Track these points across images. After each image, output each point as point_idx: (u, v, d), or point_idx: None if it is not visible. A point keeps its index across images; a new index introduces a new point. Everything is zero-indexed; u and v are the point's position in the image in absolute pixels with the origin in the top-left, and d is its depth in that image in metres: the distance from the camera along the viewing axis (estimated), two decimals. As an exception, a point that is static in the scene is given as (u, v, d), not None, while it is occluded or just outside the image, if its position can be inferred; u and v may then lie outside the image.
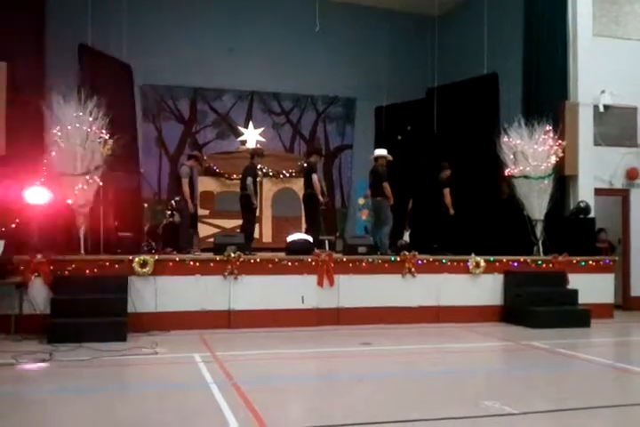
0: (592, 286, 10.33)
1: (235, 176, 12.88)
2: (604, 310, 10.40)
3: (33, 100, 9.34)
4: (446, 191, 11.21)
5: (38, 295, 8.33)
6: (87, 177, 9.15)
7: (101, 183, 9.51)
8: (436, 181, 11.38)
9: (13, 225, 8.86)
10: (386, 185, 10.70)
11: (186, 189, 10.33)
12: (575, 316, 9.76)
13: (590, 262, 10.61)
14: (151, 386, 5.97)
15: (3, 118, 9.30)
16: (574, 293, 10.05)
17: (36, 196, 9.23)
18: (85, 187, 9.15)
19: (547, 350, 7.83)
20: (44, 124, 9.21)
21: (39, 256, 8.38)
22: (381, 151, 11.13)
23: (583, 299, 9.99)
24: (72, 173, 9.10)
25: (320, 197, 10.86)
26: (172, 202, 10.71)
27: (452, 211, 11.09)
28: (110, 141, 9.35)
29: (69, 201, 9.20)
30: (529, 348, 8.00)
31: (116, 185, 10.49)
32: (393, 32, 15.78)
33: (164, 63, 14.24)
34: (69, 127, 9.06)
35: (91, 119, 9.18)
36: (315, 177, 10.84)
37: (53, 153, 9.13)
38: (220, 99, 15.63)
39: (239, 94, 15.75)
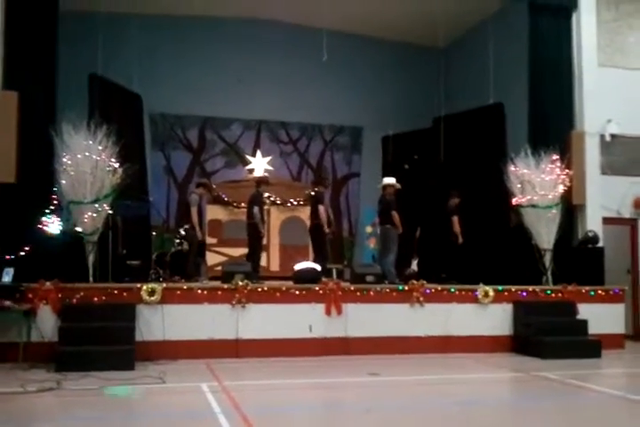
0: (602, 316, 10.24)
1: (243, 204, 12.94)
2: (614, 341, 10.29)
3: (44, 128, 9.44)
4: (455, 219, 11.25)
5: (46, 323, 8.32)
6: (96, 205, 9.21)
7: (110, 211, 9.58)
8: (444, 209, 11.41)
9: (23, 253, 8.89)
10: (394, 214, 10.74)
11: (194, 217, 10.38)
12: (585, 346, 9.67)
13: (600, 292, 10.54)
14: (158, 415, 5.92)
15: (14, 147, 9.38)
16: (584, 323, 9.97)
17: (46, 223, 9.29)
18: (94, 215, 9.20)
19: (557, 381, 7.74)
20: (54, 152, 9.30)
21: (48, 284, 8.39)
22: (390, 180, 11.20)
23: (593, 329, 9.90)
24: (82, 201, 9.15)
25: (326, 228, 10.90)
26: (181, 230, 10.76)
27: (460, 239, 11.10)
28: (120, 170, 9.43)
29: (78, 229, 9.25)
30: (539, 379, 7.91)
31: (124, 213, 10.53)
32: (400, 62, 15.95)
33: (173, 93, 14.40)
34: (79, 156, 9.15)
35: (100, 148, 9.28)
36: (321, 208, 10.89)
37: (63, 181, 9.20)
38: (229, 128, 15.77)
39: (247, 123, 15.89)
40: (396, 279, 10.51)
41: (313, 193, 11.52)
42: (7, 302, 8.00)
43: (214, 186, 13.62)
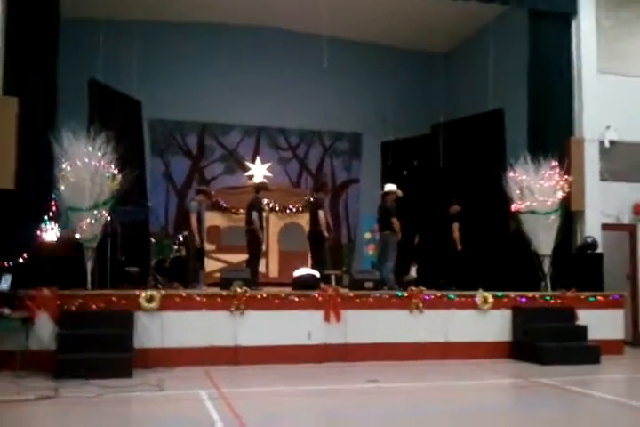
0: (601, 322, 10.22)
1: (241, 211, 12.92)
2: (613, 347, 10.27)
3: (43, 134, 9.44)
4: (455, 226, 11.26)
5: (44, 330, 8.29)
6: (95, 211, 9.20)
7: (109, 217, 9.56)
8: (444, 215, 11.41)
9: (21, 259, 8.87)
10: (394, 220, 10.76)
11: (194, 223, 10.38)
12: (585, 352, 9.65)
13: (599, 298, 10.53)
14: (156, 423, 5.90)
15: (13, 153, 9.35)
16: (583, 329, 9.96)
17: (45, 230, 9.28)
18: (93, 221, 9.18)
19: (557, 387, 7.73)
20: (53, 158, 9.28)
21: (46, 291, 8.37)
22: (391, 187, 11.22)
23: (592, 335, 9.89)
24: (80, 208, 9.14)
25: (325, 233, 10.89)
26: (180, 236, 10.75)
27: (459, 246, 11.12)
28: (119, 176, 9.43)
29: (77, 235, 9.23)
30: (538, 385, 7.90)
31: (123, 219, 10.52)
32: (399, 68, 15.96)
33: (172, 99, 14.41)
34: (78, 162, 9.13)
35: (99, 154, 9.26)
36: (321, 213, 10.88)
37: (62, 188, 9.19)
38: (228, 134, 15.76)
39: (247, 130, 15.88)
40: (395, 286, 10.50)
41: (312, 199, 11.52)
42: (5, 310, 7.96)
43: (213, 192, 13.61)
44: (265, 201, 11.68)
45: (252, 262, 10.74)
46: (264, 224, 11.55)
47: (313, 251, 11.20)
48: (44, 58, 9.97)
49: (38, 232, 9.51)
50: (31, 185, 9.44)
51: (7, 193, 9.31)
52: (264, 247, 12.01)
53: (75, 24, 11.47)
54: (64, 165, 9.12)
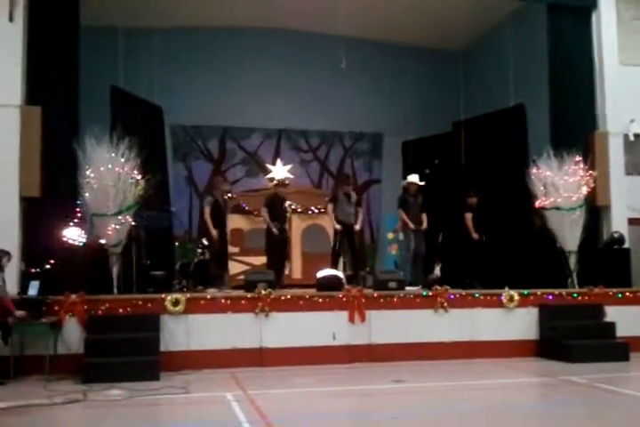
0: (630, 319, 10.06)
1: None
2: (643, 343, 10.14)
3: (67, 142, 9.57)
4: (468, 216, 11.27)
5: (72, 335, 8.41)
6: (120, 217, 9.30)
7: (133, 223, 9.66)
8: (461, 206, 11.47)
9: (48, 266, 9.00)
10: (399, 212, 11.10)
11: (206, 217, 10.43)
12: (613, 349, 9.51)
13: (627, 294, 10.37)
14: (184, 426, 5.94)
15: (37, 161, 9.51)
16: (612, 325, 9.82)
17: (71, 236, 9.41)
18: (118, 226, 9.28)
19: (585, 386, 7.63)
20: (77, 165, 9.41)
21: (73, 296, 8.48)
22: (411, 178, 11.28)
23: (621, 332, 9.75)
24: (105, 214, 9.25)
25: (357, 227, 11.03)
26: (203, 240, 10.80)
27: (474, 235, 11.13)
28: (142, 181, 9.52)
29: (103, 241, 9.34)
30: (567, 383, 7.81)
31: (147, 224, 10.62)
32: (418, 67, 15.90)
33: (193, 103, 14.53)
34: (102, 168, 9.24)
35: (123, 160, 9.36)
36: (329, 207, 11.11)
37: (87, 194, 9.30)
38: (249, 137, 15.85)
39: (267, 132, 15.95)
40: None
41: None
42: (34, 315, 8.09)
43: (235, 195, 13.71)
44: (287, 203, 11.64)
45: (272, 262, 10.76)
46: (286, 223, 11.43)
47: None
48: (65, 67, 10.13)
49: (64, 239, 9.64)
50: (56, 192, 9.61)
51: (33, 201, 9.49)
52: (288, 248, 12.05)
53: (94, 32, 11.64)
54: (88, 172, 9.24)
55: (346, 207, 11.07)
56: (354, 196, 11.32)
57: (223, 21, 14.51)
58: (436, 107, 15.33)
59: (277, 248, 10.95)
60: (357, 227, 11.11)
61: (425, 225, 11.21)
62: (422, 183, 11.33)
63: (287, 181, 11.95)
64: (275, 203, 11.02)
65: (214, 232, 10.45)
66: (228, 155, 15.73)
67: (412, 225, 11.01)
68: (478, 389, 7.60)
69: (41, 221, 9.46)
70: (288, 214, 11.91)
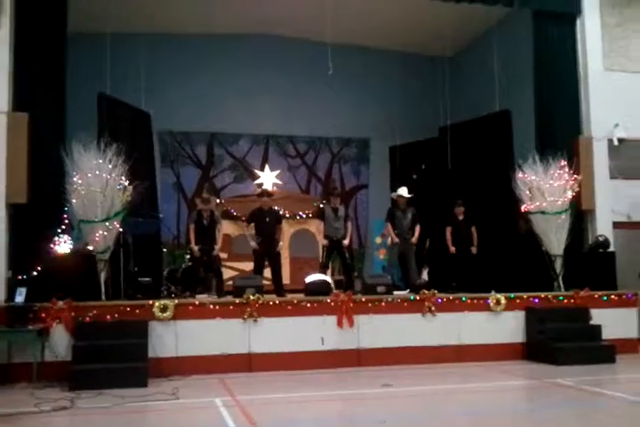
0: (615, 321, 10.16)
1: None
2: (628, 345, 10.20)
3: (54, 148, 9.54)
4: (448, 229, 11.63)
5: (60, 342, 8.36)
6: (107, 223, 9.28)
7: (121, 229, 9.65)
8: (446, 217, 11.62)
9: (35, 273, 8.96)
10: (386, 224, 11.39)
11: (190, 233, 10.53)
12: (599, 352, 9.60)
13: (613, 297, 10.47)
14: (173, 432, 5.94)
15: (24, 167, 9.48)
16: (597, 328, 9.90)
17: (58, 243, 9.37)
18: (106, 233, 9.27)
19: (572, 388, 7.70)
20: (64, 172, 9.38)
21: (60, 303, 8.45)
22: (399, 191, 11.36)
23: (607, 334, 9.83)
24: (93, 220, 9.23)
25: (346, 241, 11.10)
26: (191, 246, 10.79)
27: (452, 249, 11.48)
28: (130, 188, 9.51)
29: (90, 247, 9.32)
30: (554, 386, 7.87)
31: (135, 230, 10.61)
32: (404, 73, 16.03)
33: (181, 109, 14.56)
34: (89, 175, 9.22)
35: (110, 166, 9.35)
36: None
37: (74, 200, 9.28)
38: (237, 143, 15.90)
39: (255, 138, 16.01)
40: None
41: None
42: (20, 323, 8.06)
43: (223, 201, 13.72)
44: (275, 208, 11.62)
45: (259, 268, 10.79)
46: (275, 234, 11.18)
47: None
48: (52, 73, 10.08)
49: (51, 245, 9.60)
50: (43, 199, 9.56)
51: (20, 207, 9.45)
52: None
53: (82, 39, 11.66)
54: (75, 178, 9.22)
55: (333, 222, 11.03)
56: (342, 209, 11.24)
57: (211, 28, 14.56)
58: (423, 112, 15.44)
59: (257, 261, 10.83)
60: (346, 242, 11.05)
61: (414, 239, 11.28)
62: (410, 196, 11.38)
63: (274, 188, 11.94)
64: (259, 217, 10.88)
65: (195, 248, 10.48)
66: (216, 161, 15.77)
67: (396, 239, 11.13)
68: (466, 392, 7.65)
69: (28, 227, 9.41)
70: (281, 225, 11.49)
